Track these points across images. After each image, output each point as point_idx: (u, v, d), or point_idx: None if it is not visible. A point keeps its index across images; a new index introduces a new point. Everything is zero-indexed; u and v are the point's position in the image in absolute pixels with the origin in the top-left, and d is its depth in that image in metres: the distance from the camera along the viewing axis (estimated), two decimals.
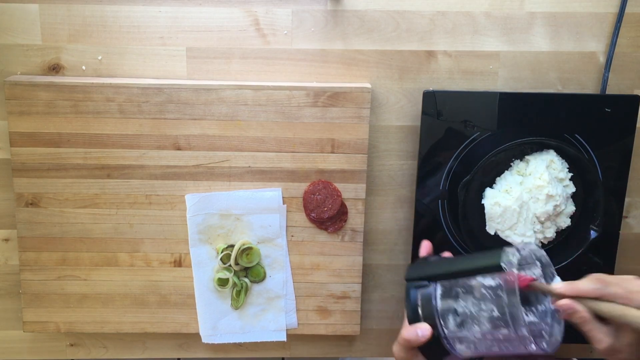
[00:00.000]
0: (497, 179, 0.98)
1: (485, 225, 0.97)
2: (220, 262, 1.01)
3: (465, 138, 0.98)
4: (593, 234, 0.97)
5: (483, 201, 0.97)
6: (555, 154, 0.97)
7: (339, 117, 0.97)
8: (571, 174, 0.98)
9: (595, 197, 0.97)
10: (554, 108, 0.97)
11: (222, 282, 1.02)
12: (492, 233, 0.97)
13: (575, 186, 0.98)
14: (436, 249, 0.95)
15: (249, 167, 0.99)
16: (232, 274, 1.01)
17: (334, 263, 1.03)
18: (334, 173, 0.99)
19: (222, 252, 1.01)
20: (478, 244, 0.99)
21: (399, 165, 1.02)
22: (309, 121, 0.97)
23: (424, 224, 1.01)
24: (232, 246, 1.01)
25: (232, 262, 1.01)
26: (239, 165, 0.99)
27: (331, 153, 0.98)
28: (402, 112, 1.01)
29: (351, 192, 1.00)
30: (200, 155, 0.98)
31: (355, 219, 1.01)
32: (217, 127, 0.97)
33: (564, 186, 0.97)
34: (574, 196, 0.99)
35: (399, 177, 1.03)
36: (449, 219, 1.00)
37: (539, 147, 0.97)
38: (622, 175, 1.00)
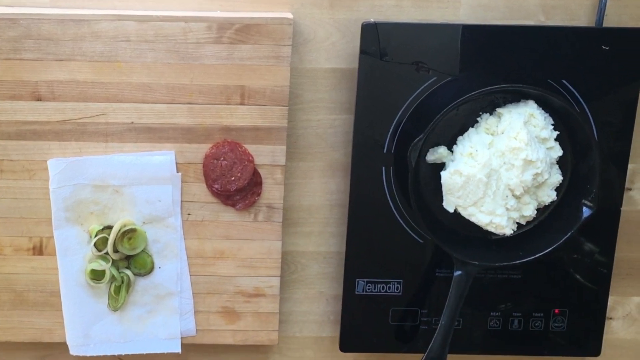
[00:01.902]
0: (459, 139, 0.96)
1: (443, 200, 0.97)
2: (94, 249, 1.00)
3: (417, 85, 0.97)
4: (586, 211, 0.96)
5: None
6: (536, 106, 0.95)
7: (251, 57, 0.95)
8: (557, 133, 0.96)
9: (589, 163, 0.96)
10: (534, 46, 0.97)
11: (97, 275, 1.01)
12: (452, 210, 0.96)
13: (563, 148, 0.97)
14: (379, 232, 0.99)
15: (132, 123, 0.97)
16: (110, 264, 1.00)
17: (244, 250, 1.02)
18: (244, 131, 0.98)
19: (96, 236, 0.99)
20: (434, 224, 0.98)
21: (329, 121, 1.02)
22: (211, 63, 0.95)
23: (362, 199, 1.00)
24: (109, 227, 1.00)
25: (109, 248, 0.99)
26: (118, 121, 0.97)
27: (240, 105, 0.97)
28: (334, 51, 1.00)
29: (267, 156, 0.99)
30: (68, 108, 0.96)
31: (272, 192, 1.00)
32: (89, 70, 0.95)
33: (547, 148, 0.95)
34: (560, 162, 0.97)
35: (330, 136, 1.02)
36: (395, 192, 1.00)
37: (515, 97, 0.96)
38: (624, 135, 0.99)
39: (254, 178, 0.99)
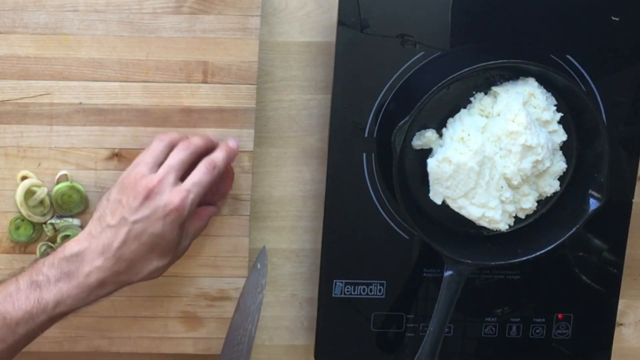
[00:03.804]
0: (449, 121, 0.96)
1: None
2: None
3: (402, 61, 0.97)
4: (594, 203, 0.95)
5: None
6: (536, 84, 0.95)
7: (215, 29, 0.96)
8: (560, 115, 0.96)
9: (597, 149, 0.95)
10: (535, 17, 0.97)
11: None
12: (439, 202, 0.96)
13: (567, 132, 0.96)
14: (360, 227, 1.00)
15: (80, 104, 0.97)
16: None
17: (207, 247, 1.03)
18: (207, 113, 0.98)
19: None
20: (422, 218, 0.98)
21: (304, 102, 1.03)
22: (169, 35, 0.96)
23: (340, 190, 1.00)
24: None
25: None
26: (65, 102, 0.97)
27: (202, 83, 0.97)
28: (309, 22, 1.01)
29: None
30: (7, 87, 0.96)
31: (239, 182, 1.01)
32: (32, 44, 0.95)
33: (549, 132, 0.95)
34: (564, 147, 0.97)
35: (304, 119, 1.03)
36: (378, 182, 1.00)
37: (513, 75, 0.96)
38: (636, 117, 1.00)
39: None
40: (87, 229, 0.88)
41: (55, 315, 0.85)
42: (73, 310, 0.87)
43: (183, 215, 0.87)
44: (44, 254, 0.97)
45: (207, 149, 0.95)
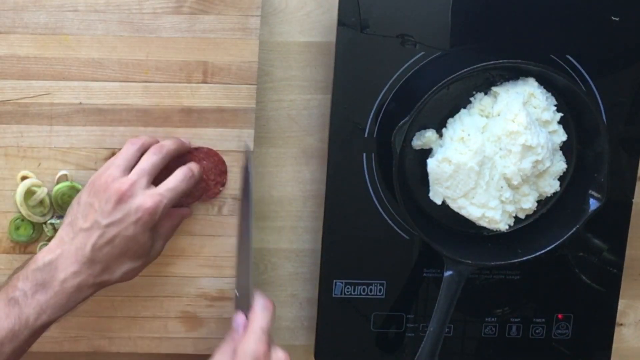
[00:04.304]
0: (449, 121, 0.96)
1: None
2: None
3: (402, 61, 0.97)
4: (594, 203, 0.95)
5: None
6: (536, 84, 0.95)
7: (215, 29, 0.96)
8: (560, 115, 0.96)
9: (597, 149, 0.95)
10: (535, 17, 0.97)
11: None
12: (439, 202, 0.96)
13: (567, 133, 0.96)
14: (360, 227, 0.99)
15: (80, 104, 0.97)
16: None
17: (208, 247, 1.02)
18: (207, 113, 0.98)
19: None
20: (422, 218, 0.98)
21: (304, 102, 1.03)
22: (169, 36, 0.96)
23: (340, 190, 1.00)
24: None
25: None
26: (65, 102, 0.97)
27: (202, 83, 0.97)
28: (309, 22, 1.01)
29: (232, 141, 0.99)
30: (7, 87, 0.96)
31: (239, 182, 1.00)
32: (32, 44, 0.95)
33: (549, 132, 0.95)
34: (564, 147, 0.97)
35: (304, 119, 1.03)
36: (378, 182, 1.00)
37: (513, 75, 0.96)
38: (636, 117, 1.00)
39: (217, 166, 0.98)
40: (57, 235, 0.88)
41: (37, 328, 0.85)
42: (55, 320, 0.86)
43: (154, 219, 0.87)
44: None
45: (180, 153, 0.95)
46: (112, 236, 0.86)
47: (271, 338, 0.87)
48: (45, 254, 0.87)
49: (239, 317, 0.88)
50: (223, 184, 0.99)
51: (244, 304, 0.90)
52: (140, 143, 0.92)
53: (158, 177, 0.95)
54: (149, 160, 0.90)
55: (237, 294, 0.93)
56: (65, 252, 0.86)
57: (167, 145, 0.92)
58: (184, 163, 0.97)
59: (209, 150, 0.98)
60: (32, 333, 0.85)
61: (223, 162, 0.99)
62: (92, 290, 0.88)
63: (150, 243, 0.89)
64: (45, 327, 0.86)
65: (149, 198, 0.87)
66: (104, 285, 0.89)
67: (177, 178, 0.90)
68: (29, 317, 0.84)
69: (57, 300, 0.85)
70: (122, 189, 0.87)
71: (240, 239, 0.94)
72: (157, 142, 0.93)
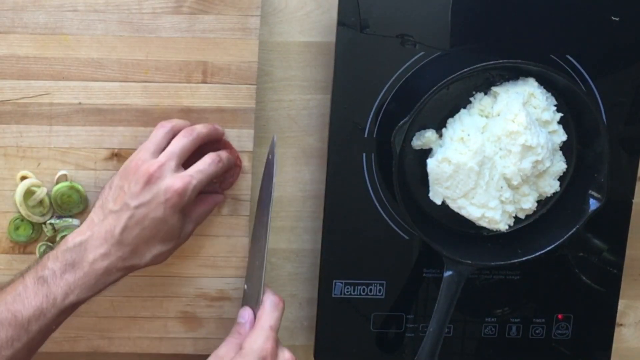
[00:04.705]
0: (449, 121, 0.96)
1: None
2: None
3: (402, 61, 0.97)
4: (593, 203, 0.96)
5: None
6: (536, 84, 0.95)
7: (214, 29, 0.96)
8: (560, 115, 0.96)
9: (597, 149, 0.95)
10: (535, 17, 0.97)
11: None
12: (439, 202, 0.96)
13: (567, 133, 0.97)
14: (360, 227, 0.99)
15: (80, 104, 0.97)
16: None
17: (207, 247, 1.02)
18: (207, 113, 0.98)
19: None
20: (422, 218, 0.98)
21: (303, 102, 1.03)
22: (169, 35, 0.96)
23: (340, 190, 1.00)
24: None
25: None
26: (64, 102, 0.97)
27: (202, 83, 0.97)
28: (309, 22, 1.01)
29: (232, 141, 0.99)
30: (7, 87, 0.96)
31: (239, 182, 1.01)
32: (31, 44, 0.95)
33: (549, 132, 0.95)
34: (564, 148, 0.97)
35: (304, 119, 1.03)
36: (377, 182, 1.00)
37: (513, 75, 0.96)
38: (636, 117, 1.00)
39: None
40: (89, 217, 0.89)
41: (65, 308, 0.86)
42: (83, 301, 0.87)
43: (184, 201, 0.87)
44: (44, 254, 0.96)
45: (211, 138, 0.96)
46: (141, 217, 0.87)
47: (278, 337, 0.87)
48: (75, 236, 0.87)
49: (246, 312, 0.88)
50: (235, 177, 0.99)
51: (252, 300, 0.90)
52: (171, 126, 0.92)
53: (189, 160, 0.95)
54: (179, 143, 0.90)
55: (246, 288, 0.92)
56: (95, 234, 0.87)
57: (198, 129, 0.92)
58: (216, 150, 0.96)
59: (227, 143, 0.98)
60: (59, 312, 0.85)
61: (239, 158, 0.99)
62: (121, 274, 0.88)
63: (179, 225, 0.89)
64: (73, 307, 0.87)
65: (178, 179, 0.87)
66: (133, 269, 0.89)
67: (206, 162, 0.90)
68: (57, 297, 0.85)
69: (85, 281, 0.86)
70: (150, 170, 0.87)
71: (256, 234, 0.94)
72: (189, 125, 0.93)
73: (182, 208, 0.88)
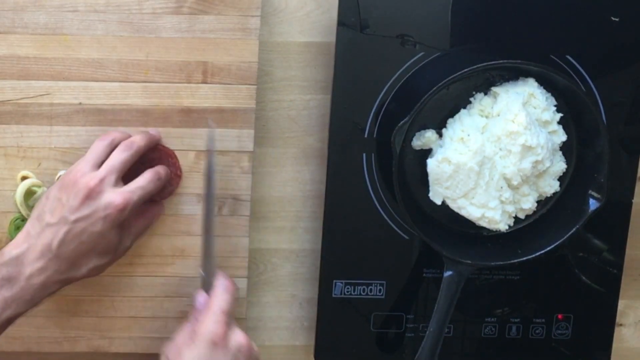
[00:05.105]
0: (449, 121, 0.96)
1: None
2: None
3: (402, 61, 0.97)
4: (593, 203, 0.95)
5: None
6: (536, 84, 0.95)
7: (214, 29, 0.96)
8: (560, 115, 0.96)
9: (597, 150, 0.95)
10: (535, 17, 0.97)
11: None
12: (439, 202, 0.96)
13: (567, 133, 0.96)
14: (360, 227, 0.99)
15: (80, 104, 0.97)
16: None
17: None
18: (207, 113, 0.98)
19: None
20: (422, 219, 0.98)
21: (303, 102, 1.03)
22: (169, 36, 0.96)
23: (340, 190, 1.00)
24: None
25: None
26: (64, 102, 0.97)
27: (202, 83, 0.97)
28: (309, 23, 1.01)
29: (232, 141, 0.99)
30: (7, 87, 0.96)
31: (239, 182, 1.00)
32: (31, 44, 0.95)
33: (549, 133, 0.95)
34: (564, 148, 0.97)
35: (304, 119, 1.03)
36: (377, 182, 1.00)
37: (513, 75, 0.96)
38: (636, 117, 1.00)
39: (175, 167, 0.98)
40: (24, 229, 0.88)
41: (2, 323, 0.85)
42: (20, 314, 0.86)
43: (123, 216, 0.87)
44: None
45: (150, 147, 0.95)
46: (80, 232, 0.86)
47: (231, 320, 0.87)
48: (11, 248, 0.86)
49: (201, 297, 0.88)
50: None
51: (208, 285, 0.90)
52: (111, 139, 0.91)
53: (127, 171, 0.95)
54: (119, 157, 0.89)
55: (203, 274, 0.92)
56: (32, 247, 0.86)
57: (137, 141, 0.91)
58: (157, 158, 0.96)
59: (168, 150, 0.98)
60: None
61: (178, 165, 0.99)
62: (58, 286, 0.87)
63: (117, 240, 0.89)
64: (10, 321, 0.86)
65: (119, 195, 0.86)
66: (69, 282, 0.88)
67: (146, 179, 0.90)
68: None
69: (22, 295, 0.85)
70: (90, 184, 0.86)
71: (204, 219, 0.93)
72: (128, 137, 0.92)
73: (121, 222, 0.88)
